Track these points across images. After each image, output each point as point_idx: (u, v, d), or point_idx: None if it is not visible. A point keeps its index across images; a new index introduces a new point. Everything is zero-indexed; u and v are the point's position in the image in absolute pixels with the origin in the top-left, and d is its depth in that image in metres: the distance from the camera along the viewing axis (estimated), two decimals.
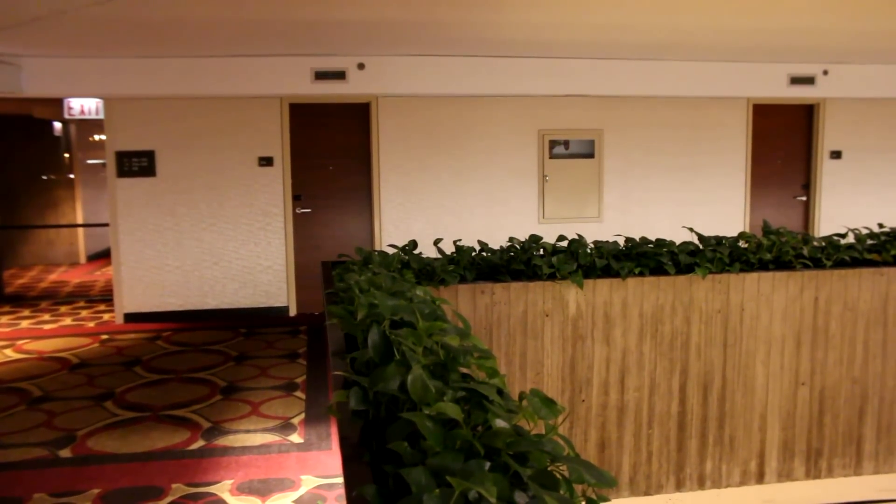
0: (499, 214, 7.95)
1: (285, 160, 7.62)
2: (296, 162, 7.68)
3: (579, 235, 4.59)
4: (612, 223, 8.12)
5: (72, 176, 11.42)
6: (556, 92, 7.78)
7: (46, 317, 7.82)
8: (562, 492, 1.42)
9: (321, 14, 5.31)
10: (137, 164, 7.43)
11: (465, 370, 1.96)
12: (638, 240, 4.65)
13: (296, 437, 4.59)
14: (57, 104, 9.37)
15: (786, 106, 8.49)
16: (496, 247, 4.59)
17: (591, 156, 8.10)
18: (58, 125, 11.32)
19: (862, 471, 4.86)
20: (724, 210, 8.42)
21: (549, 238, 4.65)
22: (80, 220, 11.41)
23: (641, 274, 4.41)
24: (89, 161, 11.63)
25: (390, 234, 7.76)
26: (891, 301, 4.73)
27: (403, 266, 4.10)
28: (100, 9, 4.84)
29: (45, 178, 11.32)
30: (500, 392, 1.80)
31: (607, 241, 4.58)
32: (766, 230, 4.82)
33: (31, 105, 10.07)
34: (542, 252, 4.45)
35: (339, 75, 7.31)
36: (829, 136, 8.56)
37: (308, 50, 7.03)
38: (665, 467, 4.58)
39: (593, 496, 1.51)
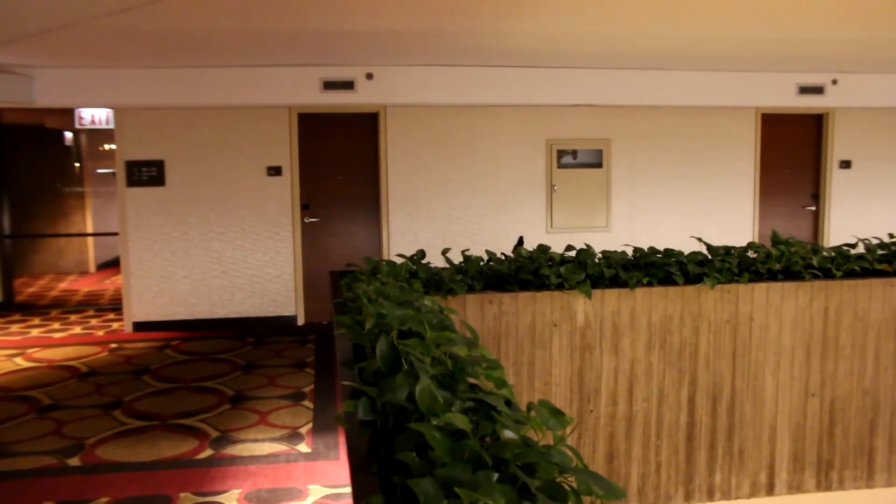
0: (507, 224, 7.95)
1: (294, 169, 7.65)
2: (304, 171, 7.72)
3: (587, 245, 4.59)
4: (620, 233, 8.11)
5: (82, 186, 11.50)
6: (564, 102, 7.79)
7: (56, 325, 7.86)
8: (570, 503, 1.42)
9: (330, 24, 5.34)
10: (147, 173, 7.48)
11: (473, 380, 1.96)
12: (646, 250, 4.64)
13: (303, 447, 4.59)
14: (68, 114, 9.46)
15: (795, 115, 8.47)
16: (504, 256, 4.59)
17: (599, 165, 8.10)
18: (69, 135, 11.41)
19: (874, 483, 4.81)
20: (733, 220, 8.39)
21: (558, 248, 4.65)
22: (90, 230, 11.48)
23: (650, 284, 4.40)
24: (100, 170, 11.71)
25: (398, 243, 7.77)
26: None
27: (411, 276, 4.11)
28: (111, 20, 4.88)
29: (64, 189, 11.41)
30: (508, 402, 1.80)
31: (615, 251, 4.57)
32: (776, 240, 4.80)
33: (42, 115, 10.18)
34: (550, 262, 4.44)
35: (348, 85, 7.34)
36: (838, 145, 8.54)
37: (316, 60, 7.06)
38: (674, 479, 4.55)
39: None
